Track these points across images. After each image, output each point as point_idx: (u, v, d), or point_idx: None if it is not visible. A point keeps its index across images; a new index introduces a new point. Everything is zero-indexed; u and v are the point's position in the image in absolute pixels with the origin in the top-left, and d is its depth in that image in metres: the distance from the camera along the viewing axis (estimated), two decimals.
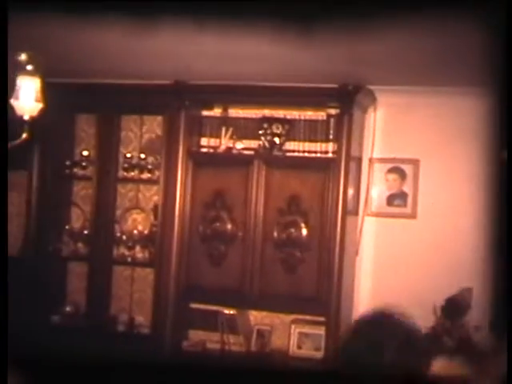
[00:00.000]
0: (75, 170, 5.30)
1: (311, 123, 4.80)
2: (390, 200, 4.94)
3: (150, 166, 5.10)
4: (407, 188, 4.90)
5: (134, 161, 5.15)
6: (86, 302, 5.16)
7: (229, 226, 4.83)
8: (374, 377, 1.87)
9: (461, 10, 2.85)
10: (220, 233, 4.85)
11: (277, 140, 4.83)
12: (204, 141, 5.02)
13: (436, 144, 4.82)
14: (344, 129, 4.62)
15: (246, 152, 4.91)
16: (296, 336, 4.91)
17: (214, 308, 4.99)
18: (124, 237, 5.16)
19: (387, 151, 4.93)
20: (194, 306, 5.06)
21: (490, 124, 4.16)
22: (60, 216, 5.39)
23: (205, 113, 5.04)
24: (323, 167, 4.67)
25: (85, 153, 5.27)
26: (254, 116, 4.94)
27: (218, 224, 4.85)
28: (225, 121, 4.97)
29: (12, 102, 3.07)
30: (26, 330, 4.89)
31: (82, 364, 4.36)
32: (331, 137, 4.72)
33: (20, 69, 3.04)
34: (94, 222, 5.14)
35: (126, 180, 5.22)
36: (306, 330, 4.90)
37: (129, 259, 5.17)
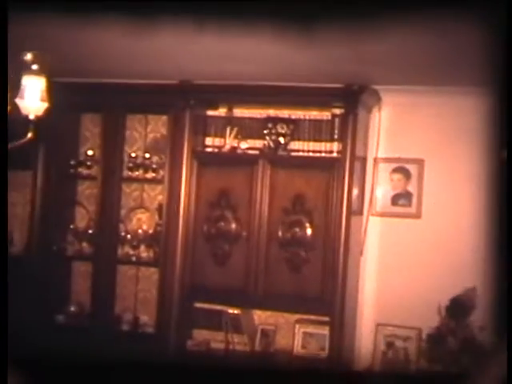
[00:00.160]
0: (80, 169, 5.31)
1: (316, 123, 4.80)
2: (395, 200, 4.93)
3: (154, 166, 5.11)
4: (412, 188, 4.90)
5: (139, 160, 5.15)
6: (91, 301, 5.17)
7: (233, 226, 4.83)
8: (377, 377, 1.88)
9: (463, 9, 2.84)
10: (224, 232, 4.85)
11: (281, 140, 4.83)
12: (209, 140, 5.02)
13: (441, 144, 4.82)
14: (349, 128, 4.61)
15: (250, 152, 4.91)
16: (300, 336, 4.91)
17: (219, 307, 4.99)
18: (128, 236, 5.17)
19: (392, 151, 4.93)
20: (198, 305, 5.06)
21: (494, 124, 4.15)
22: (65, 215, 5.40)
23: (210, 112, 5.04)
24: (328, 167, 4.67)
25: (89, 152, 5.28)
26: (258, 116, 4.95)
27: (222, 223, 4.85)
28: (230, 120, 4.97)
29: (17, 101, 3.06)
30: (30, 329, 4.91)
31: (86, 363, 4.37)
32: (336, 136, 4.71)
33: (25, 68, 3.03)
34: (98, 222, 5.14)
35: (130, 179, 5.22)
36: (311, 329, 4.91)
37: (133, 259, 5.18)
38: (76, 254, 5.32)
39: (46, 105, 3.10)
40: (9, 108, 3.09)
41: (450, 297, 4.47)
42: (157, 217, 5.22)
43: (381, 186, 4.96)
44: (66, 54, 4.06)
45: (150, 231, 5.20)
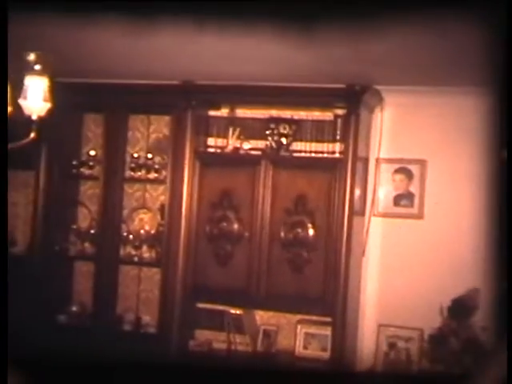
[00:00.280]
0: (82, 169, 5.32)
1: (318, 123, 4.80)
2: (397, 200, 4.93)
3: (156, 166, 5.11)
4: (414, 188, 4.89)
5: (141, 161, 5.16)
6: (93, 301, 5.17)
7: (235, 226, 4.83)
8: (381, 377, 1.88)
9: (463, 9, 2.84)
10: (227, 233, 4.85)
11: (284, 140, 4.83)
12: (211, 141, 5.02)
13: (443, 144, 4.82)
14: (351, 129, 4.61)
15: (253, 152, 4.91)
16: (302, 336, 4.91)
17: (221, 308, 5.00)
18: (131, 236, 5.17)
19: (394, 151, 4.93)
20: (200, 305, 5.07)
21: (496, 124, 4.15)
22: (67, 215, 5.40)
23: (212, 113, 5.04)
24: (330, 167, 4.67)
25: (92, 152, 5.28)
26: (261, 116, 4.95)
27: (224, 224, 4.85)
28: (232, 121, 4.97)
29: (20, 101, 3.07)
30: (32, 329, 4.92)
31: (87, 363, 4.37)
32: (338, 137, 4.71)
33: (28, 68, 3.04)
34: (100, 222, 5.15)
35: (132, 180, 5.23)
36: (312, 330, 4.91)
37: (135, 259, 5.18)
38: (78, 254, 5.32)
39: (48, 105, 3.10)
40: (12, 108, 3.10)
41: (452, 297, 4.46)
42: (159, 217, 5.22)
43: (383, 187, 4.96)
44: (67, 55, 4.06)
45: (152, 231, 5.20)
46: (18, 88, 3.05)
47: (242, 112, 5.01)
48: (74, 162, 5.30)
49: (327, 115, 4.78)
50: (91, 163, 5.27)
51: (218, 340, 5.06)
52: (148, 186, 5.36)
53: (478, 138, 4.59)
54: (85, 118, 5.50)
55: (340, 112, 4.71)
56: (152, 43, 3.90)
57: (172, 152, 4.96)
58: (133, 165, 5.16)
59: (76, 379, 4.22)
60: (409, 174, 4.90)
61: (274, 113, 4.92)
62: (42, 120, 3.12)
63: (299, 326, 4.92)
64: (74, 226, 5.37)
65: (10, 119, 3.09)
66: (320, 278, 4.67)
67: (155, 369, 4.42)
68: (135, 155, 5.17)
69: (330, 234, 4.64)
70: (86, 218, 5.44)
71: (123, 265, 5.26)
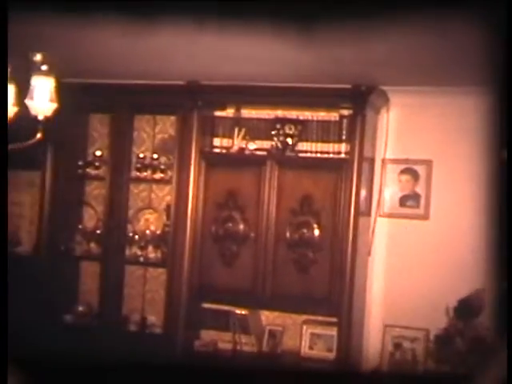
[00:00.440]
0: (88, 169, 5.33)
1: (324, 124, 4.80)
2: (403, 201, 4.93)
3: (162, 166, 5.12)
4: (420, 189, 4.89)
5: (147, 161, 5.17)
6: (99, 301, 5.17)
7: (241, 227, 4.83)
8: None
9: (467, 9, 2.85)
10: (232, 233, 4.85)
11: (289, 141, 4.83)
12: (217, 141, 5.02)
13: (449, 145, 4.81)
14: (357, 129, 4.61)
15: (258, 152, 4.91)
16: (308, 337, 4.91)
17: (226, 308, 5.00)
18: (136, 237, 5.18)
19: (400, 152, 4.92)
20: (206, 305, 5.07)
21: (501, 123, 4.15)
22: (73, 216, 5.41)
23: (217, 113, 5.04)
24: (336, 168, 4.67)
25: (98, 153, 5.29)
26: (266, 116, 4.95)
27: (230, 224, 4.85)
28: (237, 121, 4.98)
29: (26, 101, 3.08)
30: (38, 329, 4.92)
31: (93, 363, 4.38)
32: (344, 137, 4.71)
33: (34, 69, 3.05)
34: (106, 222, 5.15)
35: (138, 180, 5.23)
36: (318, 330, 4.90)
37: (141, 259, 5.18)
38: (84, 254, 5.33)
39: (54, 105, 3.11)
40: (18, 109, 3.11)
41: (458, 298, 4.45)
42: (165, 217, 5.23)
43: (389, 187, 4.96)
44: (76, 55, 4.08)
45: (158, 232, 5.21)
46: (25, 88, 3.06)
47: (247, 112, 5.01)
48: (80, 163, 5.31)
49: (333, 115, 4.78)
50: (97, 163, 5.28)
51: (223, 340, 5.07)
52: (154, 187, 5.36)
53: (484, 138, 4.58)
54: (91, 119, 5.50)
55: (346, 112, 4.70)
56: (158, 43, 3.91)
57: (178, 152, 4.96)
58: (139, 165, 5.17)
59: (81, 379, 4.23)
60: (415, 175, 4.90)
61: (280, 113, 4.91)
62: (48, 120, 3.13)
63: (305, 327, 4.92)
64: (80, 226, 5.38)
65: (16, 119, 3.11)
66: (326, 278, 4.66)
67: (161, 369, 4.43)
68: (141, 155, 5.18)
69: (336, 234, 4.63)
70: (91, 218, 5.44)
71: (129, 265, 5.26)
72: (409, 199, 4.92)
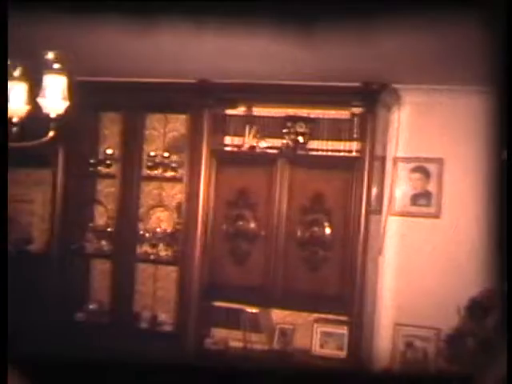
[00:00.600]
0: (99, 167, 5.33)
1: (335, 122, 4.79)
2: (414, 199, 4.91)
3: (173, 165, 5.12)
4: (431, 187, 4.88)
5: (158, 159, 5.17)
6: (110, 299, 5.19)
7: (252, 225, 4.83)
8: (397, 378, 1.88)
9: (478, 7, 2.84)
10: (243, 231, 4.85)
11: (300, 139, 4.83)
12: (228, 139, 5.03)
13: (460, 143, 4.79)
14: (368, 128, 4.60)
15: (269, 151, 4.91)
16: (318, 335, 4.90)
17: (237, 306, 5.00)
18: (147, 235, 5.18)
19: (411, 150, 4.91)
20: (216, 304, 5.08)
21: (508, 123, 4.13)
22: (84, 214, 5.43)
23: (229, 111, 5.05)
24: (347, 166, 4.66)
25: (109, 151, 5.30)
26: (277, 115, 4.95)
27: (241, 223, 4.85)
28: (249, 119, 4.97)
29: (38, 100, 3.09)
30: (49, 327, 4.94)
31: (104, 360, 4.39)
32: (355, 136, 4.70)
33: (47, 67, 3.05)
34: (117, 220, 5.16)
35: (149, 178, 5.23)
36: (329, 329, 4.89)
37: (152, 257, 5.19)
38: (95, 252, 5.34)
39: (67, 104, 3.12)
40: (30, 107, 3.12)
41: (470, 297, 4.44)
42: (176, 215, 5.23)
43: (400, 186, 4.95)
44: (83, 54, 4.08)
45: (169, 230, 5.22)
46: (38, 87, 3.06)
47: (258, 110, 5.01)
48: (92, 161, 5.32)
49: (344, 114, 4.77)
50: (108, 162, 5.29)
51: (234, 338, 5.07)
52: (165, 185, 5.36)
53: (496, 136, 4.56)
54: (102, 117, 5.52)
55: (357, 111, 4.69)
56: (169, 42, 3.91)
57: (189, 150, 4.96)
58: (150, 163, 5.17)
59: (92, 376, 4.24)
60: (426, 173, 4.89)
61: (291, 111, 4.91)
62: (60, 119, 3.14)
63: (316, 325, 4.92)
64: (91, 225, 5.39)
65: (28, 118, 3.12)
66: (336, 276, 4.66)
67: (171, 366, 4.44)
68: (152, 154, 5.18)
69: (347, 232, 4.63)
70: (102, 216, 5.46)
71: (140, 263, 5.28)
72: (420, 198, 4.91)
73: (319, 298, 4.72)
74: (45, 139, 3.18)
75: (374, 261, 4.83)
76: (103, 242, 5.30)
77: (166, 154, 5.15)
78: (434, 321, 4.70)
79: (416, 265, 4.88)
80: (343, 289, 4.63)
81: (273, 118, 4.96)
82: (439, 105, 4.82)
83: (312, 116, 4.85)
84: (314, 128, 4.82)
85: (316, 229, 4.71)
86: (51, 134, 3.15)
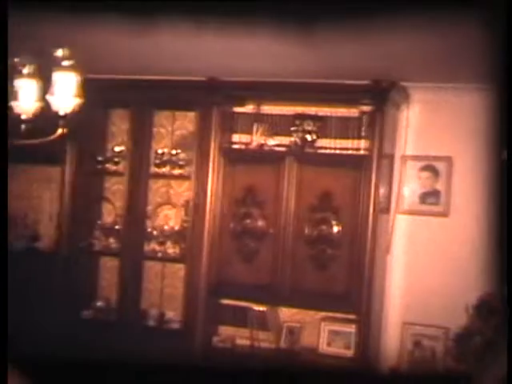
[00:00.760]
0: (107, 165, 5.34)
1: (343, 120, 4.78)
2: (423, 198, 4.90)
3: (181, 162, 5.11)
4: (440, 186, 4.86)
5: (166, 157, 5.16)
6: (117, 296, 5.19)
7: (260, 223, 4.83)
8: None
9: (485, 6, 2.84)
10: (251, 229, 4.85)
11: (309, 137, 4.81)
12: (236, 137, 5.02)
13: (469, 142, 4.77)
14: (376, 126, 4.59)
15: (277, 149, 4.90)
16: (326, 333, 4.89)
17: (245, 304, 4.99)
18: (155, 232, 5.18)
19: (420, 149, 4.90)
20: (224, 301, 5.07)
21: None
22: (92, 211, 5.43)
23: (237, 109, 5.03)
24: (355, 164, 4.65)
25: (117, 148, 5.30)
26: (286, 113, 4.93)
27: (249, 220, 4.85)
28: (257, 117, 4.97)
29: (47, 97, 3.09)
30: (57, 324, 4.95)
31: (109, 358, 4.39)
32: (363, 134, 4.69)
33: (55, 64, 3.06)
34: (125, 218, 5.16)
35: (157, 176, 5.23)
36: (337, 327, 4.89)
37: (159, 255, 5.18)
38: (103, 249, 5.34)
39: (76, 101, 3.12)
40: (40, 104, 3.12)
41: (478, 296, 4.43)
42: (183, 213, 5.23)
43: (409, 184, 4.94)
44: (91, 52, 4.09)
45: (177, 227, 5.21)
46: (48, 84, 3.07)
47: (267, 108, 4.99)
48: (100, 158, 5.32)
49: (352, 112, 4.76)
50: (116, 159, 5.29)
51: (241, 336, 5.06)
52: (172, 183, 5.36)
53: (505, 135, 4.54)
54: (110, 114, 5.52)
55: (366, 109, 4.68)
56: (178, 40, 3.91)
57: (197, 148, 4.96)
58: (157, 161, 5.17)
59: (99, 374, 4.24)
60: (435, 172, 4.87)
61: (299, 109, 4.89)
62: (69, 116, 3.14)
63: (323, 323, 4.91)
64: (99, 222, 5.40)
65: (38, 115, 3.12)
66: (344, 275, 4.65)
67: (178, 364, 4.44)
68: (160, 151, 5.18)
69: (355, 231, 4.62)
70: (110, 213, 5.46)
71: (147, 260, 5.28)
72: (429, 196, 4.89)
73: (327, 296, 4.71)
74: (53, 136, 3.18)
75: (382, 259, 4.82)
76: (111, 240, 5.30)
77: (174, 152, 5.15)
78: (443, 320, 4.69)
79: (424, 263, 4.87)
80: (351, 287, 4.63)
81: (281, 115, 4.94)
82: (448, 103, 4.81)
83: (320, 114, 4.84)
84: (323, 126, 4.81)
85: (324, 227, 4.70)
86: (60, 131, 3.15)
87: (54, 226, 5.45)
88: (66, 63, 3.04)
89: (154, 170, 5.18)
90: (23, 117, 3.13)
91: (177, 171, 5.14)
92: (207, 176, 4.91)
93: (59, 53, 3.01)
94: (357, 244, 4.61)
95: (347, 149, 4.75)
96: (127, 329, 5.01)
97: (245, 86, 4.84)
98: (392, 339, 4.92)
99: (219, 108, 4.91)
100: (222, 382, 4.34)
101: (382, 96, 4.57)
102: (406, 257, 4.94)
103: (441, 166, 4.86)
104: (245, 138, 4.99)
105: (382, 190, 4.67)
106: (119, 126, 5.47)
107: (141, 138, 5.13)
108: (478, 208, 4.75)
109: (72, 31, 3.63)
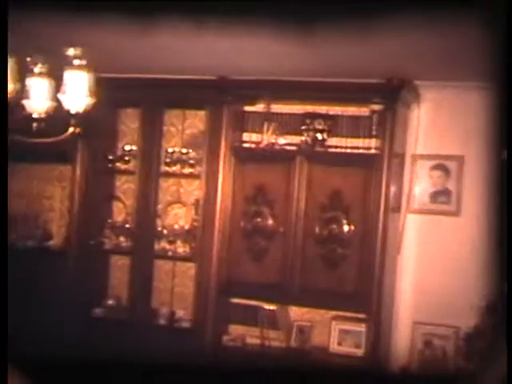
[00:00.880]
0: (118, 164, 5.35)
1: (354, 119, 4.77)
2: (434, 197, 4.89)
3: (191, 161, 5.12)
4: (451, 185, 4.85)
5: (176, 155, 5.17)
6: (128, 295, 5.21)
7: (270, 222, 4.83)
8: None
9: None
10: (261, 228, 4.84)
11: (319, 136, 4.81)
12: (246, 136, 5.01)
13: (481, 141, 4.75)
14: (387, 125, 4.58)
15: (288, 147, 4.89)
16: (336, 332, 4.89)
17: (255, 303, 4.99)
18: (165, 231, 5.19)
19: (431, 148, 4.89)
20: (234, 300, 5.07)
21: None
22: (102, 210, 5.44)
23: (247, 108, 5.03)
24: (366, 163, 4.64)
25: (127, 147, 5.31)
26: (296, 111, 4.92)
27: (259, 219, 4.85)
28: (267, 116, 4.96)
29: (59, 96, 3.10)
30: (67, 323, 4.96)
31: (122, 356, 4.40)
32: (374, 133, 4.68)
33: (67, 63, 3.06)
34: (135, 216, 5.17)
35: (167, 174, 5.24)
36: (347, 326, 4.88)
37: (170, 253, 5.19)
38: (113, 248, 5.35)
39: (87, 100, 3.12)
40: (51, 103, 3.13)
41: (488, 295, 4.41)
42: (193, 212, 5.23)
43: (420, 183, 4.92)
44: (102, 50, 4.09)
45: (187, 226, 5.22)
46: (59, 83, 3.08)
47: (277, 107, 4.98)
48: (110, 157, 5.33)
49: (363, 110, 4.75)
50: (127, 158, 5.30)
51: (251, 335, 5.06)
52: (183, 181, 5.37)
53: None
54: (121, 113, 5.52)
55: (376, 107, 4.67)
56: (191, 39, 3.92)
57: (207, 147, 4.96)
58: (168, 159, 5.17)
59: (110, 372, 4.25)
60: (446, 171, 4.86)
61: (310, 108, 4.88)
62: (80, 115, 3.14)
63: (333, 322, 4.90)
64: (110, 221, 5.41)
65: (50, 114, 3.13)
66: (355, 274, 4.64)
67: (189, 363, 4.44)
68: (170, 150, 5.19)
69: (366, 230, 4.61)
70: (121, 212, 5.47)
71: (158, 259, 5.28)
72: (440, 195, 4.88)
73: (337, 295, 4.70)
74: (65, 135, 3.19)
75: (393, 258, 4.81)
76: (121, 238, 5.32)
77: (185, 151, 5.16)
78: (453, 319, 4.68)
79: (435, 263, 4.85)
80: (361, 286, 4.62)
81: (291, 114, 4.93)
82: (460, 102, 4.79)
83: (331, 113, 4.83)
84: (333, 125, 4.80)
85: (334, 226, 4.69)
86: (71, 130, 3.16)
87: (65, 224, 5.46)
88: (77, 62, 3.05)
89: (164, 168, 5.19)
90: (35, 115, 3.13)
91: (187, 170, 5.15)
92: (217, 175, 4.91)
93: (71, 52, 3.02)
94: (367, 243, 4.60)
95: (358, 148, 4.74)
96: (138, 327, 5.02)
97: (255, 84, 4.84)
98: (402, 338, 4.91)
99: (229, 107, 4.91)
100: (232, 381, 4.34)
101: (392, 95, 4.56)
102: (416, 256, 4.93)
103: (452, 165, 4.85)
104: (255, 136, 4.98)
105: (392, 189, 4.66)
106: (130, 124, 5.48)
107: (151, 136, 5.14)
108: (489, 207, 4.73)
109: (81, 31, 3.64)
